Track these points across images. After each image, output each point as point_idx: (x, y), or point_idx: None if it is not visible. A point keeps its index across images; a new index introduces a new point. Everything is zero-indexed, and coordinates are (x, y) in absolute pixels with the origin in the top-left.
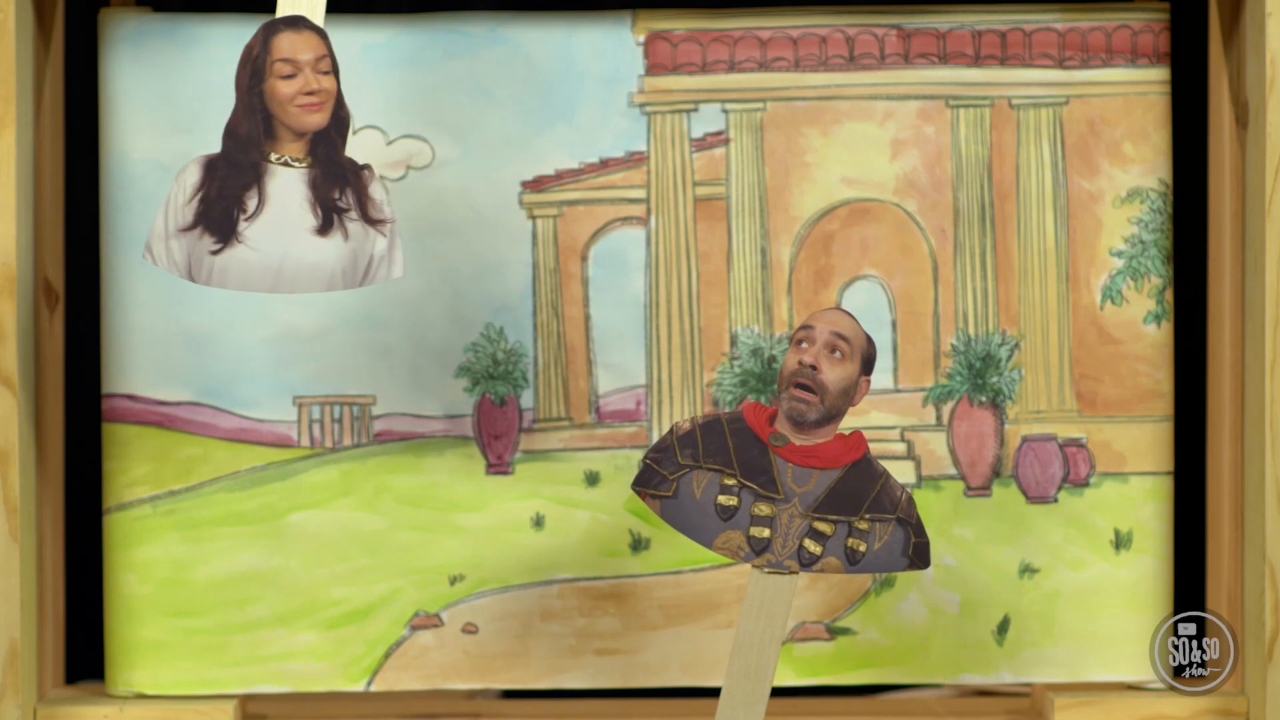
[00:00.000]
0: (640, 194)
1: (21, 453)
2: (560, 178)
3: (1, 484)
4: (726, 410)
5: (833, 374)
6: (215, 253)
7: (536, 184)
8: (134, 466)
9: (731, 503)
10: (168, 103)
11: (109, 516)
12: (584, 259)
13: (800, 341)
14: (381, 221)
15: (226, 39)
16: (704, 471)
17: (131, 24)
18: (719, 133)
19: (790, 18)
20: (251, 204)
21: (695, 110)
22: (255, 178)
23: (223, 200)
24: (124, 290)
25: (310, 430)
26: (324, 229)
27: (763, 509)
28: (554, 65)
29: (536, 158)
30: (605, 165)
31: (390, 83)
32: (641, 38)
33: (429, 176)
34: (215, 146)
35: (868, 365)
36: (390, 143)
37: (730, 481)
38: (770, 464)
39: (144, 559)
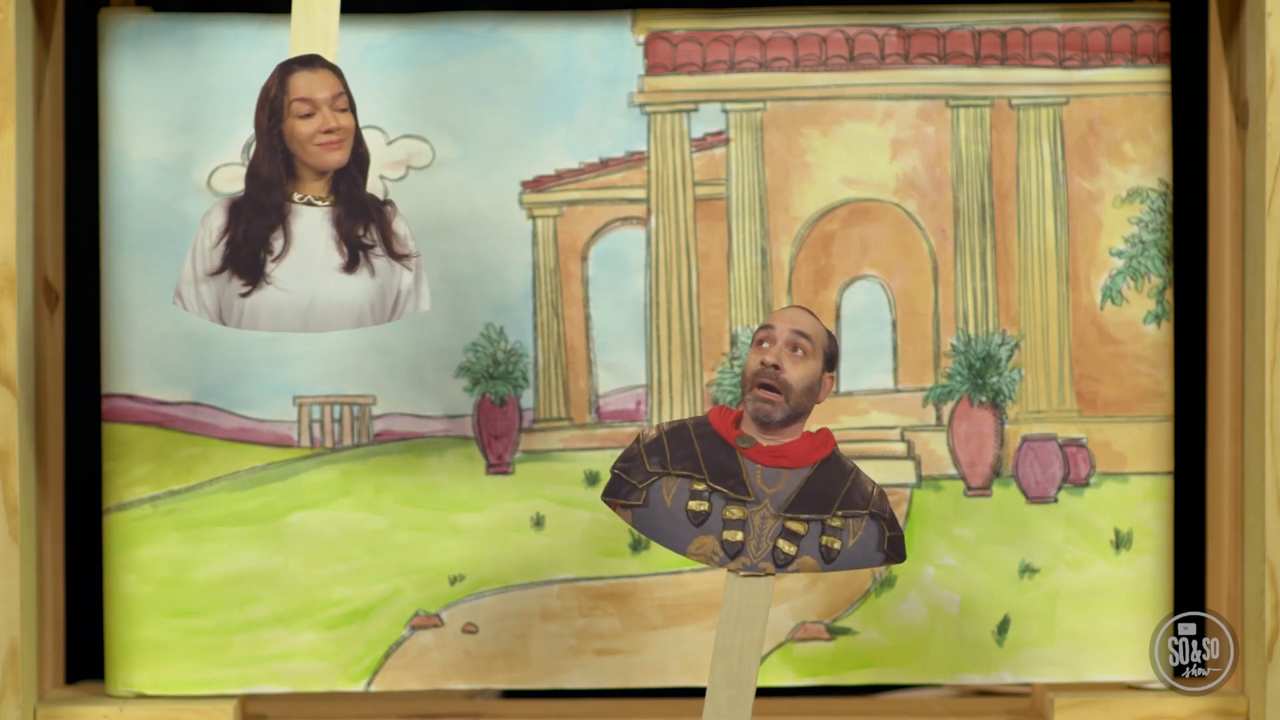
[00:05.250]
0: (640, 194)
1: (21, 453)
2: (560, 178)
3: (1, 484)
4: (691, 416)
5: (796, 372)
6: (245, 295)
7: (536, 184)
8: (134, 466)
9: (703, 508)
10: (168, 103)
11: (109, 516)
12: (584, 259)
13: (761, 341)
14: (406, 256)
15: (226, 39)
16: (673, 478)
17: (131, 24)
18: (719, 133)
19: (790, 18)
20: (278, 245)
21: (695, 110)
22: (279, 218)
23: (249, 242)
24: (124, 290)
25: (310, 430)
26: (350, 266)
27: (734, 512)
28: (554, 65)
29: (536, 158)
30: (605, 165)
31: (390, 83)
32: (641, 38)
33: (429, 176)
34: (214, 147)
35: (830, 362)
36: (390, 143)
37: (700, 486)
38: (739, 466)
39: (144, 559)
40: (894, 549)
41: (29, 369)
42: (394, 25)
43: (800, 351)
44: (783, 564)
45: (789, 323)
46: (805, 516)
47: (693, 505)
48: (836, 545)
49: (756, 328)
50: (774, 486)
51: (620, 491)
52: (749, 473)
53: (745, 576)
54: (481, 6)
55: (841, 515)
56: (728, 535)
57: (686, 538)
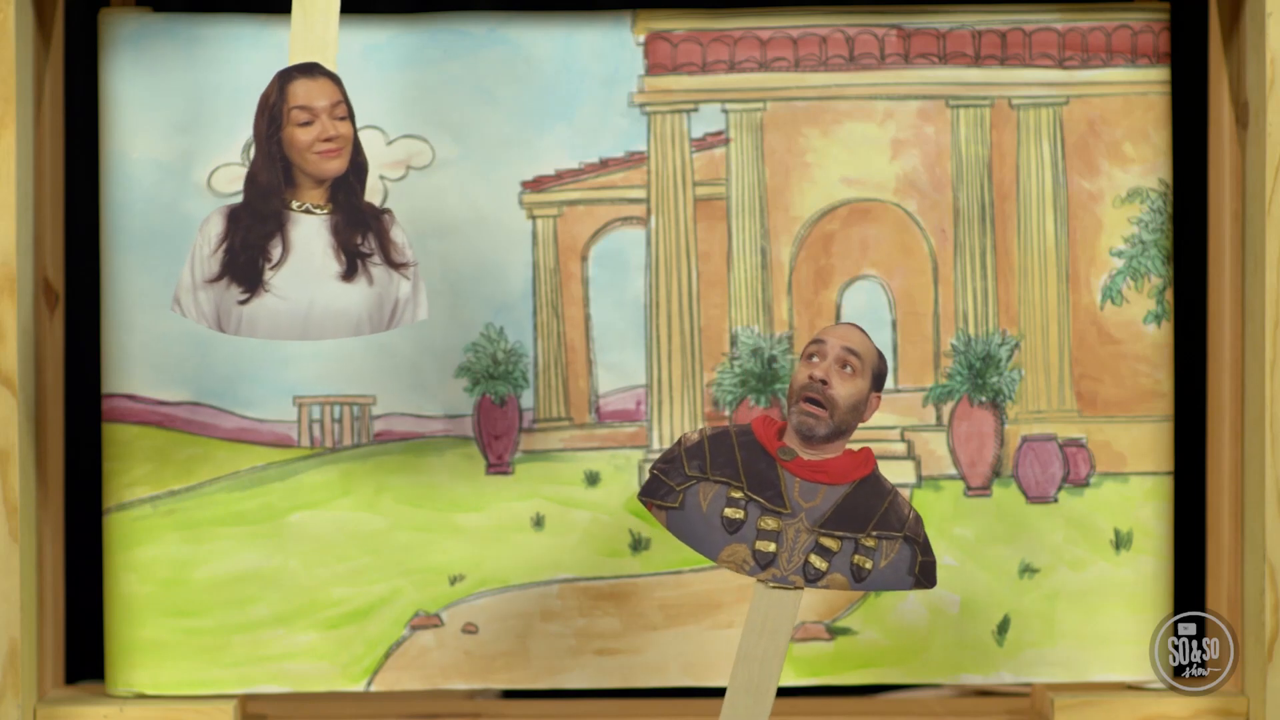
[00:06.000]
0: (640, 194)
1: (21, 453)
2: (560, 178)
3: (1, 484)
4: (734, 422)
5: (843, 389)
6: (243, 302)
7: (536, 184)
8: (134, 466)
9: (738, 516)
10: (168, 103)
11: (109, 516)
12: (584, 259)
13: (811, 355)
14: (404, 265)
15: (226, 39)
16: (711, 484)
17: (131, 24)
18: (719, 133)
19: (790, 18)
20: (276, 252)
21: (695, 110)
22: (278, 226)
23: (247, 250)
24: (124, 290)
25: (310, 430)
26: (348, 274)
27: (769, 523)
28: (554, 65)
29: (536, 158)
30: (605, 165)
31: (390, 83)
32: (641, 38)
33: (429, 176)
34: (215, 147)
35: (878, 381)
36: (390, 143)
37: (737, 494)
38: (778, 478)
39: (144, 559)
40: (925, 574)
41: (29, 369)
42: (394, 25)
43: (849, 369)
44: (813, 579)
45: (841, 339)
46: (839, 534)
47: (728, 512)
48: (868, 565)
49: (808, 341)
50: (811, 501)
51: (657, 492)
52: (787, 485)
53: (774, 588)
54: (481, 6)
55: (876, 535)
56: (760, 545)
57: (719, 544)
